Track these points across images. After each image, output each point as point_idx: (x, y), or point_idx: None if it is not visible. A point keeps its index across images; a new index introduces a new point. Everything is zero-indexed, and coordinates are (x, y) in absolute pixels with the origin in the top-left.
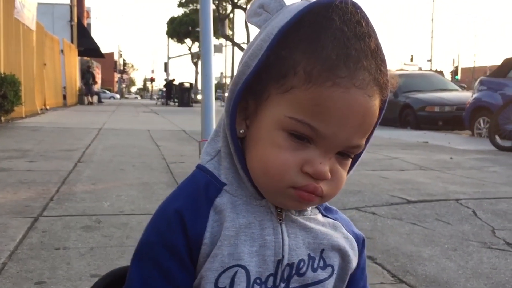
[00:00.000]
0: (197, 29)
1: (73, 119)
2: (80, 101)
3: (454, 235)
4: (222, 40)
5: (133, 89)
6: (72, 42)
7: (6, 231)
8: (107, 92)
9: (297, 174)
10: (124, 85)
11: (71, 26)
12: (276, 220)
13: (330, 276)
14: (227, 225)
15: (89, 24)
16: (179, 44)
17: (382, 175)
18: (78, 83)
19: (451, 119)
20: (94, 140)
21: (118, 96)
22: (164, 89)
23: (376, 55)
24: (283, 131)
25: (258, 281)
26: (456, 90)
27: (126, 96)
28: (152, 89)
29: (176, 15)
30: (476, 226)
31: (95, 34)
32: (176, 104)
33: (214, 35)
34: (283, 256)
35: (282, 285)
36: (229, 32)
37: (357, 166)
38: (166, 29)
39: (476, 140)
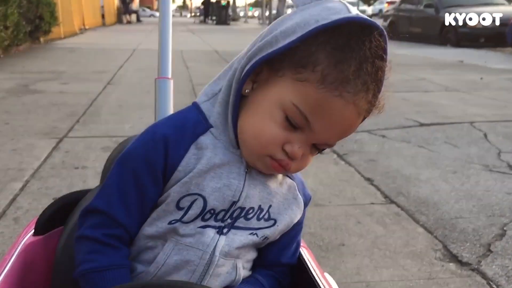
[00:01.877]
0: None
1: (109, 40)
2: (119, 20)
3: (458, 158)
4: None
5: (173, 6)
6: None
7: (33, 151)
8: (147, 10)
9: (278, 149)
10: None
11: None
12: (244, 169)
13: (270, 227)
14: (203, 161)
15: None
16: None
17: (404, 97)
18: (116, 1)
19: (494, 36)
20: (127, 61)
21: (158, 14)
22: (202, 7)
23: (380, 83)
24: (283, 112)
25: (212, 211)
26: (502, 4)
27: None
28: (191, 6)
29: None
30: (483, 149)
31: None
32: (214, 22)
33: None
34: (238, 200)
35: (229, 220)
36: None
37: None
38: None
39: None
